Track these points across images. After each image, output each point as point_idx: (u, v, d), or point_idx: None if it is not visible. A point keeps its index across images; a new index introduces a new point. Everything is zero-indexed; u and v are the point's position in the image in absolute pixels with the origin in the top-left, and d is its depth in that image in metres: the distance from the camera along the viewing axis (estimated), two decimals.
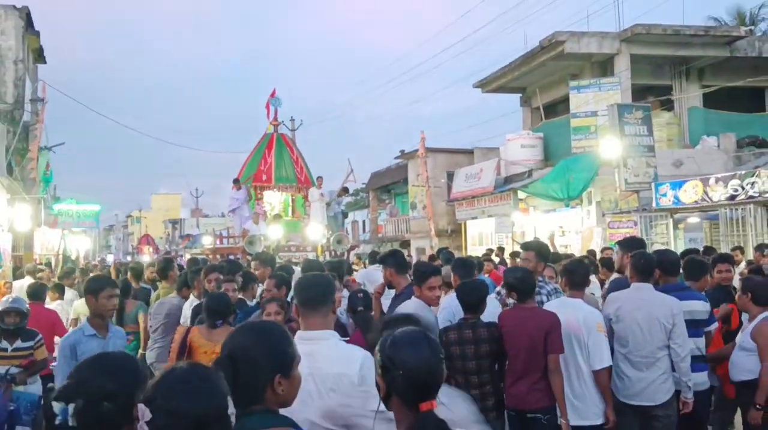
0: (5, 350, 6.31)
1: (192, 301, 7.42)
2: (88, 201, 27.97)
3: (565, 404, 4.89)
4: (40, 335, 6.55)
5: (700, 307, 5.57)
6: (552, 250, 14.58)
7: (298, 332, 3.16)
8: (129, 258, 54.45)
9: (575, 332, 5.07)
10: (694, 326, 5.47)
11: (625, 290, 5.56)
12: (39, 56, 24.90)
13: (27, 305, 6.64)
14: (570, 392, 5.02)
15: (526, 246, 6.74)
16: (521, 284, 5.20)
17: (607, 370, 5.06)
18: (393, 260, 6.02)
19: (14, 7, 21.68)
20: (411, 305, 5.06)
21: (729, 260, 7.26)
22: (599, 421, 5.01)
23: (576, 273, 5.51)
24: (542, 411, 4.90)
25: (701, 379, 5.46)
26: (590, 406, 5.04)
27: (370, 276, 8.87)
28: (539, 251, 6.21)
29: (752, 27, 25.78)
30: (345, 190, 21.59)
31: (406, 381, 2.26)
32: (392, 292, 6.07)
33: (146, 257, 45.13)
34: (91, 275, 10.63)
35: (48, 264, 17.00)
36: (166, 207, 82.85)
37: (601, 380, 5.03)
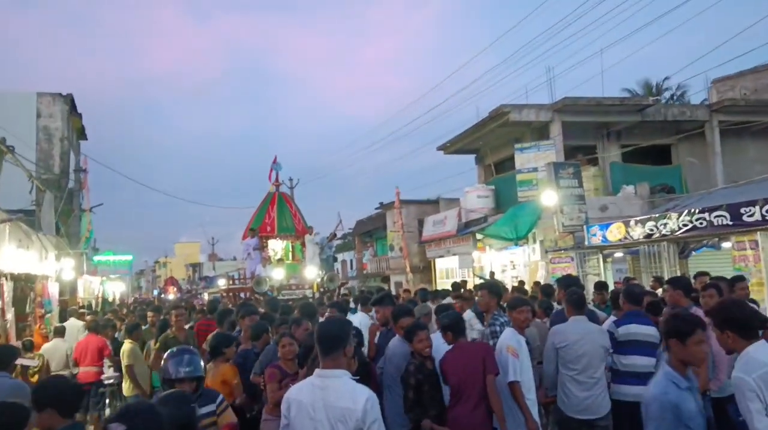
0: None
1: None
2: (123, 252, 27.72)
3: (504, 421, 4.67)
4: (221, 396, 4.17)
5: (654, 332, 5.55)
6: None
7: (316, 370, 3.17)
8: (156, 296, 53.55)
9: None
10: (651, 348, 5.47)
11: (566, 323, 5.54)
12: (81, 134, 24.85)
13: (202, 363, 4.14)
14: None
15: (480, 286, 6.71)
16: (455, 325, 5.09)
17: (515, 385, 4.83)
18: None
19: (61, 94, 21.71)
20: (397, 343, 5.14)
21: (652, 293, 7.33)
22: None
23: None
24: None
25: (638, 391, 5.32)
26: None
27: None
28: (490, 289, 6.11)
29: (658, 97, 26.38)
30: (333, 235, 21.54)
31: None
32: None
33: (171, 295, 44.50)
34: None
35: (89, 306, 16.71)
36: (187, 253, 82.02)
37: (513, 393, 4.83)
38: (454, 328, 5.06)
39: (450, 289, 13.51)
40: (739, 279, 7.04)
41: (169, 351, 4.22)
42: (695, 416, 3.04)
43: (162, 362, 4.17)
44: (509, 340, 5.07)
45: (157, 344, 7.57)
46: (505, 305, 7.13)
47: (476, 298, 8.71)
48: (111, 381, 9.81)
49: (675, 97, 32.03)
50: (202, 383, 4.08)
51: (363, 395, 3.03)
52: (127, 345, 8.35)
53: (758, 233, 10.43)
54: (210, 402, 3.97)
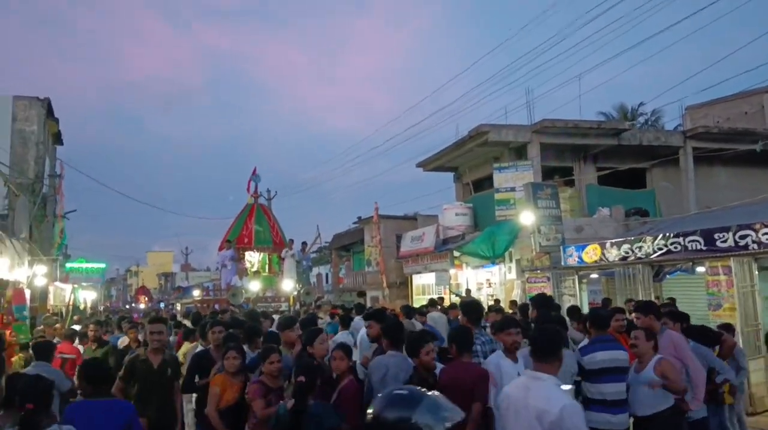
0: None
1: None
2: (95, 259, 27.20)
3: None
4: None
5: (623, 356, 5.47)
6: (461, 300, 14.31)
7: (527, 370, 3.59)
8: (127, 307, 52.65)
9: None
10: (620, 373, 5.37)
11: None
12: (57, 139, 24.44)
13: None
14: None
15: (459, 305, 6.60)
16: (461, 337, 4.97)
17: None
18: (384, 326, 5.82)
19: (38, 98, 21.35)
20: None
21: (622, 311, 7.34)
22: None
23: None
24: None
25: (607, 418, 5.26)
26: None
27: (357, 325, 8.63)
28: (464, 310, 6.08)
29: (633, 122, 26.83)
30: (304, 245, 21.38)
31: None
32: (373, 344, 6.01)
33: (142, 305, 43.80)
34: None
35: (59, 314, 16.36)
36: (159, 262, 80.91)
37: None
38: (459, 340, 4.92)
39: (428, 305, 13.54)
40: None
41: None
42: None
43: None
44: (488, 364, 5.01)
45: (122, 371, 5.96)
46: (487, 324, 7.11)
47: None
48: None
49: (649, 122, 32.61)
50: None
51: (560, 401, 3.23)
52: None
53: (731, 258, 10.61)
54: None
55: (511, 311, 11.85)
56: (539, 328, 4.17)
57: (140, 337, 8.91)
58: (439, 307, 14.55)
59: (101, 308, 32.91)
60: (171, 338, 8.87)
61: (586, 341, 6.21)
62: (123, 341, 9.68)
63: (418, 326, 8.41)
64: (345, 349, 5.19)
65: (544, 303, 6.97)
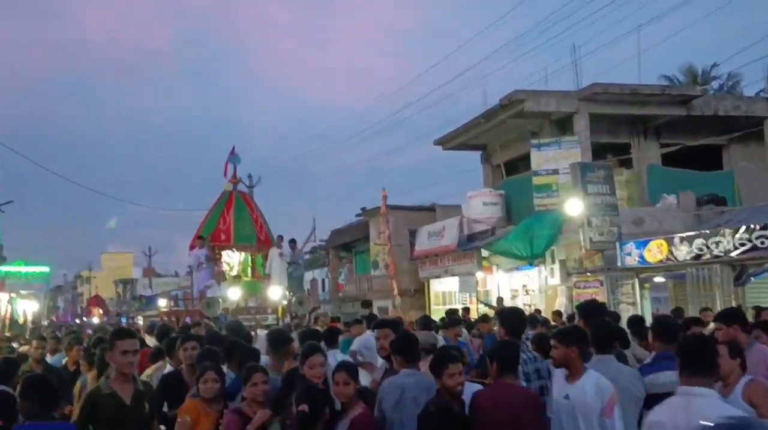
0: None
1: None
2: (37, 262, 27.33)
3: None
4: None
5: None
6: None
7: (679, 388, 3.76)
8: (78, 321, 52.93)
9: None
10: None
11: (588, 363, 5.34)
12: None
13: None
14: None
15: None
16: (505, 354, 4.87)
17: None
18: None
19: None
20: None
21: (699, 321, 7.23)
22: None
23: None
24: None
25: None
26: None
27: (366, 342, 8.52)
28: (502, 317, 5.98)
29: (706, 86, 26.63)
30: (292, 242, 21.14)
31: None
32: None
33: (96, 319, 43.99)
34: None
35: None
36: (116, 266, 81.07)
37: None
38: (502, 357, 4.79)
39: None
40: None
41: None
42: None
43: None
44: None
45: (79, 411, 5.28)
46: (529, 336, 6.99)
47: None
48: None
49: (725, 88, 32.42)
50: None
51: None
52: None
53: None
54: None
55: (553, 324, 11.74)
56: (684, 338, 4.23)
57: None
58: (465, 320, 14.38)
59: (45, 323, 33.03)
60: None
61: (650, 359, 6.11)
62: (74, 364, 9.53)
63: (442, 342, 8.31)
64: (349, 370, 5.09)
65: (595, 312, 6.78)
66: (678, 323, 6.59)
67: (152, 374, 7.58)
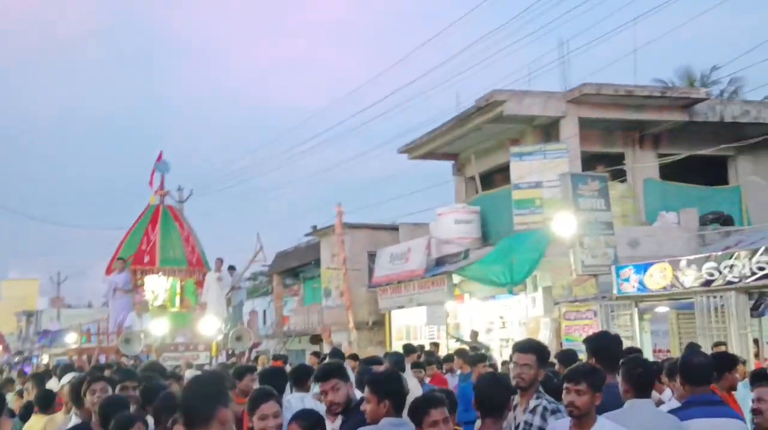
0: None
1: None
2: None
3: None
4: None
5: (737, 426, 5.21)
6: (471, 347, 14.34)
7: None
8: None
9: None
10: None
11: (622, 409, 5.11)
12: None
13: None
14: None
15: (522, 347, 5.97)
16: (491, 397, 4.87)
17: None
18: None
19: None
20: None
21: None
22: None
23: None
24: None
25: None
26: None
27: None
28: (537, 353, 5.56)
29: (710, 89, 26.94)
30: (219, 260, 20.86)
31: None
32: None
33: None
34: None
35: None
36: (18, 295, 79.69)
37: None
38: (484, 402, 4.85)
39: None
40: None
41: None
42: None
43: None
44: None
45: None
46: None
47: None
48: None
49: (726, 94, 32.94)
50: None
51: None
52: None
53: None
54: None
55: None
56: None
57: None
58: (422, 356, 13.88)
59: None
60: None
61: (672, 401, 6.03)
62: None
63: (413, 383, 8.05)
64: (309, 419, 4.96)
65: (602, 346, 6.41)
66: (711, 362, 6.37)
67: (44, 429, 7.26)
